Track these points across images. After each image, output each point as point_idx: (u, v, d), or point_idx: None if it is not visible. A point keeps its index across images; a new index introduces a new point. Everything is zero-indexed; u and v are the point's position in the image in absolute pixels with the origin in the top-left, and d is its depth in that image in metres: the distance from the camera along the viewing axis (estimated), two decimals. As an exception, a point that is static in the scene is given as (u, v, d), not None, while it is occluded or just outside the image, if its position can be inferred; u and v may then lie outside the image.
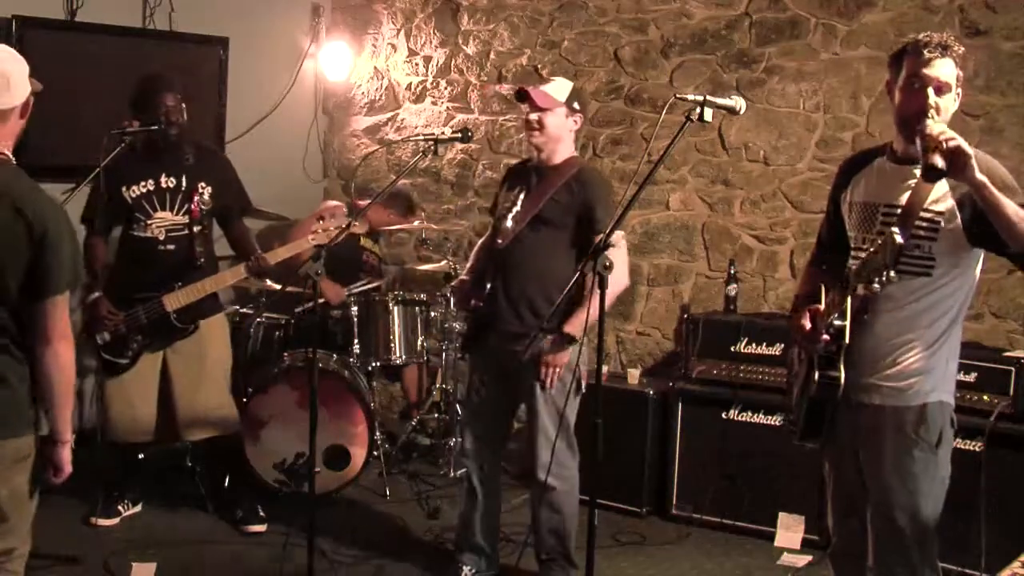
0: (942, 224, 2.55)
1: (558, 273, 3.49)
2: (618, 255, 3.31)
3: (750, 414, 4.34)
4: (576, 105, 3.52)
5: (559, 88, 3.50)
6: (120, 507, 4.27)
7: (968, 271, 2.63)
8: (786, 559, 4.10)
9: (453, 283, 3.82)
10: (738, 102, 2.85)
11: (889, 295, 2.58)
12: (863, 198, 2.72)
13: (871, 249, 2.44)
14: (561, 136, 3.52)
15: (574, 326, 3.42)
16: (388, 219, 5.31)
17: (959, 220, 2.53)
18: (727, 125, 4.87)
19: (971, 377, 3.80)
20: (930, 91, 2.52)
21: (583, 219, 3.48)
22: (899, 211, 2.58)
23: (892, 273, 2.40)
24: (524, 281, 3.49)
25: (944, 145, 2.32)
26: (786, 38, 4.75)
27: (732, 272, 4.73)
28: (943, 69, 2.53)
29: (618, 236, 3.47)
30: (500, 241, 3.48)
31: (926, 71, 2.53)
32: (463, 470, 3.83)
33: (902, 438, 2.64)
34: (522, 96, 3.49)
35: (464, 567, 3.71)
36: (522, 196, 3.54)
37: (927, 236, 2.56)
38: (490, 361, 3.62)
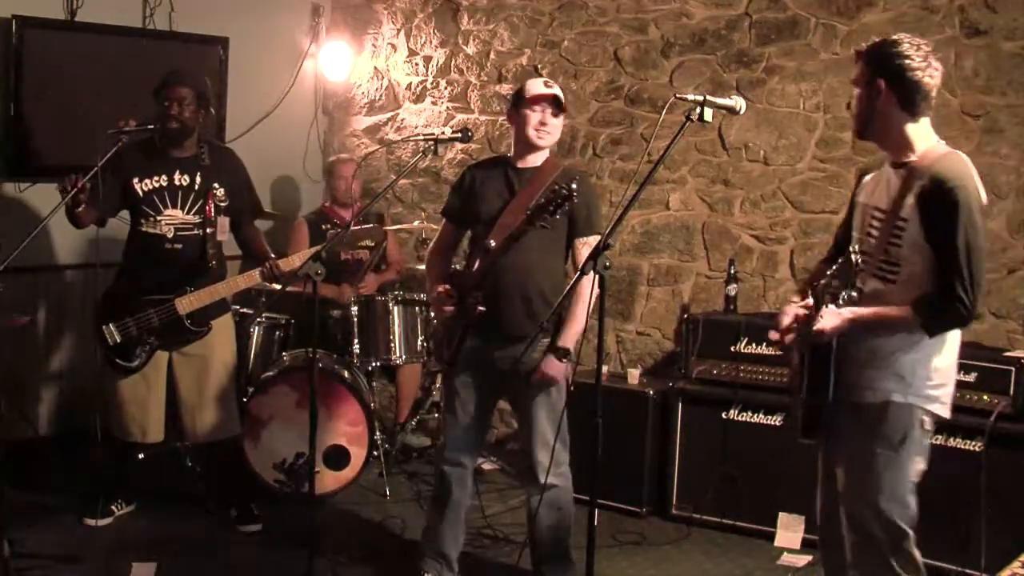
0: (905, 228, 2.62)
1: (551, 273, 3.55)
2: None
3: (750, 414, 4.34)
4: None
5: (559, 93, 3.56)
6: (114, 507, 4.27)
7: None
8: (786, 559, 4.10)
9: (436, 299, 3.61)
10: (738, 102, 2.88)
11: (870, 297, 2.66)
12: (864, 199, 2.82)
13: (835, 268, 2.54)
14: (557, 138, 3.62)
15: (569, 340, 3.45)
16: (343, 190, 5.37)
17: (917, 219, 2.59)
18: (727, 125, 4.87)
19: (971, 377, 3.80)
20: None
21: (573, 219, 3.50)
22: (882, 215, 2.68)
23: (852, 293, 2.51)
24: (519, 282, 3.48)
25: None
26: (786, 38, 4.75)
27: (732, 272, 4.73)
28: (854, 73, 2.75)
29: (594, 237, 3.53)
30: (493, 243, 3.47)
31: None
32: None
33: (864, 434, 2.71)
34: (555, 101, 3.51)
35: (425, 574, 3.68)
36: (510, 198, 3.54)
37: (893, 241, 2.64)
38: (475, 364, 3.58)
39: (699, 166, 4.99)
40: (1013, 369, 3.76)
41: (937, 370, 2.69)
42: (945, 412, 2.74)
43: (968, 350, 3.93)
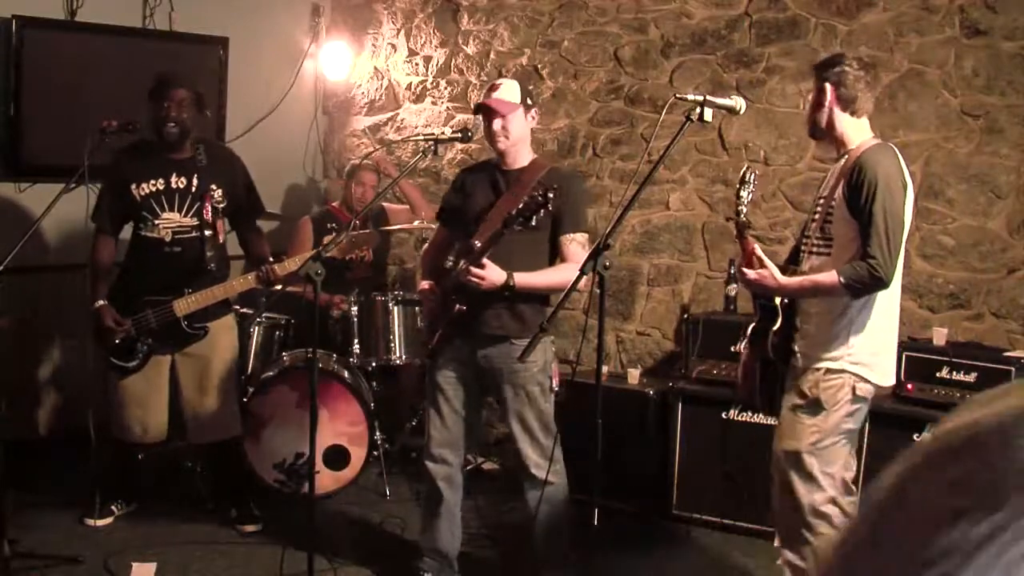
0: (835, 206, 3.03)
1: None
2: (580, 253, 3.35)
3: (750, 414, 4.33)
4: (529, 101, 3.53)
5: (511, 90, 3.50)
6: (114, 507, 4.27)
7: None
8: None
9: (421, 295, 3.67)
10: (738, 102, 2.90)
11: (814, 270, 3.07)
12: (817, 195, 3.28)
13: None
14: (524, 136, 3.55)
15: (521, 279, 3.37)
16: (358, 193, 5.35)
17: (845, 197, 3.00)
18: (727, 125, 4.87)
19: (971, 377, 3.80)
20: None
21: (558, 218, 3.45)
22: (822, 200, 3.13)
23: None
24: None
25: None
26: (786, 38, 4.75)
27: (732, 272, 4.73)
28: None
29: (585, 238, 3.52)
30: (478, 243, 3.47)
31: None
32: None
33: (798, 395, 3.09)
34: (483, 109, 3.49)
35: (424, 573, 3.68)
36: (495, 199, 3.53)
37: (828, 219, 3.07)
38: (458, 362, 3.59)
39: (699, 166, 4.99)
40: (1013, 369, 3.75)
41: (864, 333, 3.05)
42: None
43: (968, 350, 3.96)
